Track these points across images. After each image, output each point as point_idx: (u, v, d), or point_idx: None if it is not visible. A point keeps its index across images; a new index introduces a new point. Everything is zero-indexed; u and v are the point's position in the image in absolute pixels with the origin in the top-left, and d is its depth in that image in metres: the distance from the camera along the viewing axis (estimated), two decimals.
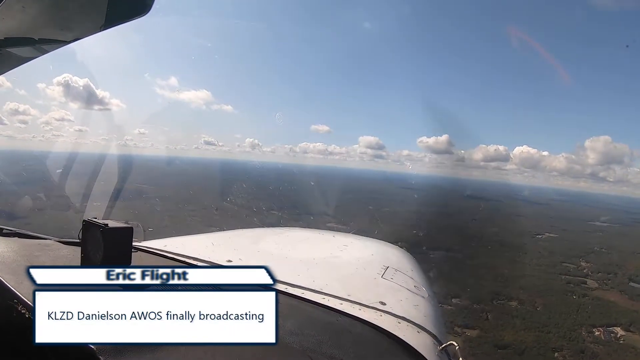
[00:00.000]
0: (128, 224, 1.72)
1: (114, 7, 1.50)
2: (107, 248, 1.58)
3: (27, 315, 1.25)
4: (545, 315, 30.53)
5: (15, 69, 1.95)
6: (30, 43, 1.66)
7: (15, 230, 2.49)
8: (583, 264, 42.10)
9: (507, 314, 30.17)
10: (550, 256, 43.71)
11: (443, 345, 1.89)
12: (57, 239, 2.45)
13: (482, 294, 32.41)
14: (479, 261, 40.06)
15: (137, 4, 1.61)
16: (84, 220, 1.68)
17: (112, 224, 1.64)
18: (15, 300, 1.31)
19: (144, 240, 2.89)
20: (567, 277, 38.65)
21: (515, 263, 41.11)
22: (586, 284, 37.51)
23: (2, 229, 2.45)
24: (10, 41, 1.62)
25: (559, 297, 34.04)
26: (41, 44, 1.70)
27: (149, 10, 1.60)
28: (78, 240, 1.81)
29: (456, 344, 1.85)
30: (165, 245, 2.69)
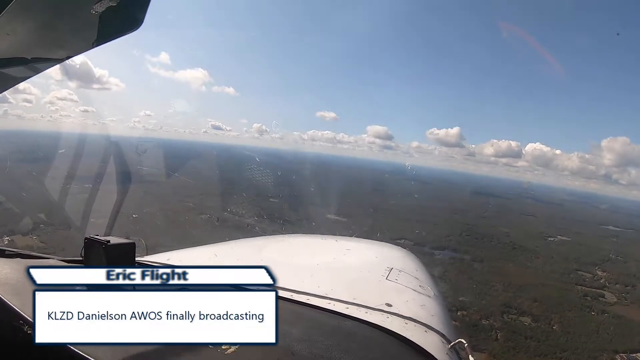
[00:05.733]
0: (130, 239, 1.68)
1: (106, 24, 1.43)
2: (110, 265, 1.47)
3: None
4: (562, 336, 26.13)
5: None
6: (23, 63, 1.59)
7: (17, 251, 2.30)
8: (599, 273, 37.70)
9: (519, 334, 25.72)
10: (564, 262, 39.53)
11: (452, 344, 1.82)
12: (59, 257, 2.33)
13: (491, 306, 28.17)
14: (488, 265, 36.11)
15: (128, 20, 1.51)
16: (85, 238, 1.63)
17: (114, 240, 1.60)
18: (21, 321, 1.27)
19: (147, 254, 2.83)
20: (583, 288, 34.26)
21: (527, 268, 37.10)
22: (604, 297, 33.07)
23: (5, 250, 2.29)
24: (2, 62, 1.54)
25: (576, 312, 29.65)
26: (34, 63, 1.62)
27: (140, 24, 1.51)
28: (81, 258, 1.74)
29: (464, 342, 1.78)
30: (169, 259, 2.65)
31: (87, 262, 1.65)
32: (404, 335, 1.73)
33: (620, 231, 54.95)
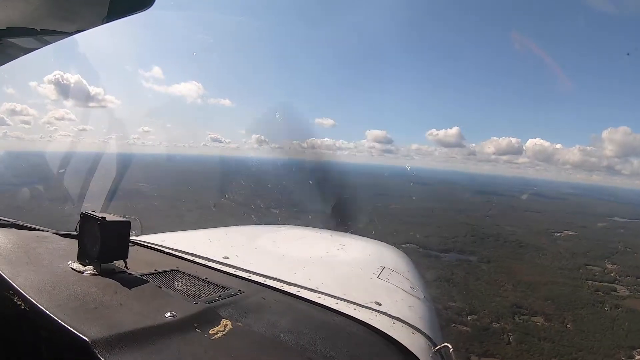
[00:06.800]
0: (126, 218, 1.66)
1: (118, 0, 1.42)
2: (104, 241, 1.53)
3: (22, 307, 1.20)
4: (577, 335, 25.27)
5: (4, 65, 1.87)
6: (32, 34, 1.57)
7: (13, 221, 2.26)
8: (609, 266, 36.73)
9: (532, 335, 24.89)
10: (573, 258, 38.55)
11: (437, 347, 1.81)
12: (54, 231, 2.29)
13: (501, 308, 27.37)
14: (495, 265, 35.32)
15: None
16: (81, 213, 1.61)
17: (109, 217, 1.58)
18: (11, 292, 1.25)
19: (142, 234, 2.80)
20: (594, 282, 33.36)
21: (536, 266, 36.18)
22: (616, 291, 32.15)
23: (0, 219, 2.24)
24: (12, 31, 1.53)
25: (589, 309, 28.77)
26: (43, 35, 1.60)
27: (151, 4, 1.48)
28: (75, 233, 1.76)
29: (450, 346, 1.77)
30: (163, 240, 2.64)
31: (81, 237, 1.61)
32: (391, 335, 1.71)
33: (627, 222, 54.05)
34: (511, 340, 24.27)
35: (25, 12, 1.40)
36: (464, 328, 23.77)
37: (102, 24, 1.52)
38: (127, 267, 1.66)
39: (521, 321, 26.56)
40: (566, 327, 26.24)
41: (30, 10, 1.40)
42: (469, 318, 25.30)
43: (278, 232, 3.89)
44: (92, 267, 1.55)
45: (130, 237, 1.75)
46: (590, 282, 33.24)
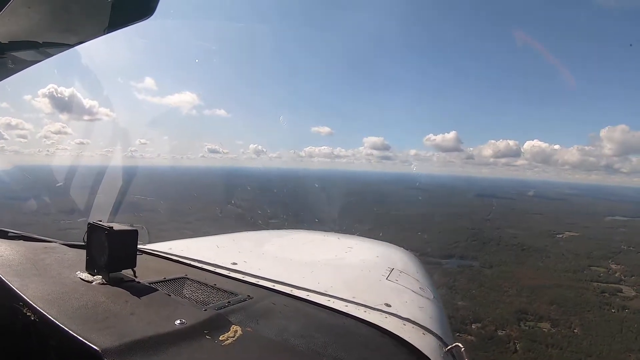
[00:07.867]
0: (133, 227, 1.66)
1: (118, 10, 1.44)
2: (112, 251, 1.53)
3: (32, 318, 1.20)
4: (585, 340, 24.54)
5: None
6: (35, 46, 1.59)
7: (20, 233, 2.28)
8: (613, 266, 36.41)
9: (539, 342, 24.09)
10: (576, 259, 38.26)
11: (449, 347, 1.76)
12: (62, 242, 2.27)
13: (506, 315, 26.63)
14: (498, 270, 34.81)
15: (141, 7, 1.51)
16: (89, 223, 1.60)
17: (117, 226, 1.57)
18: (20, 303, 1.26)
19: (149, 242, 2.82)
20: (599, 284, 32.80)
21: (539, 269, 35.68)
22: (622, 292, 31.62)
23: (8, 232, 2.26)
24: (14, 44, 1.55)
25: (596, 312, 28.11)
26: (45, 47, 1.62)
27: (152, 13, 1.51)
28: (83, 243, 1.70)
29: (462, 346, 1.72)
30: (170, 248, 2.65)
31: (89, 247, 1.60)
32: (402, 336, 1.68)
33: (628, 220, 54.16)
34: (518, 348, 23.52)
35: (28, 26, 1.41)
36: (469, 337, 22.97)
37: (103, 34, 1.53)
38: (135, 276, 1.64)
39: (527, 328, 25.88)
40: (573, 332, 25.57)
41: (32, 24, 1.40)
42: (473, 326, 24.57)
43: (285, 237, 3.87)
44: (100, 276, 1.54)
45: (138, 246, 1.74)
46: (595, 284, 32.74)
